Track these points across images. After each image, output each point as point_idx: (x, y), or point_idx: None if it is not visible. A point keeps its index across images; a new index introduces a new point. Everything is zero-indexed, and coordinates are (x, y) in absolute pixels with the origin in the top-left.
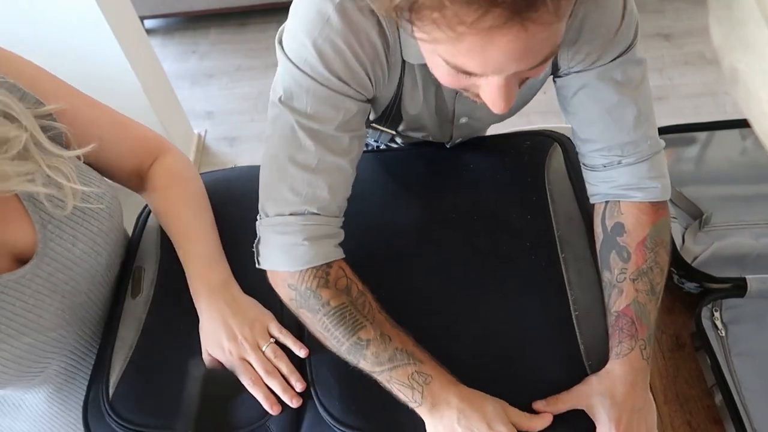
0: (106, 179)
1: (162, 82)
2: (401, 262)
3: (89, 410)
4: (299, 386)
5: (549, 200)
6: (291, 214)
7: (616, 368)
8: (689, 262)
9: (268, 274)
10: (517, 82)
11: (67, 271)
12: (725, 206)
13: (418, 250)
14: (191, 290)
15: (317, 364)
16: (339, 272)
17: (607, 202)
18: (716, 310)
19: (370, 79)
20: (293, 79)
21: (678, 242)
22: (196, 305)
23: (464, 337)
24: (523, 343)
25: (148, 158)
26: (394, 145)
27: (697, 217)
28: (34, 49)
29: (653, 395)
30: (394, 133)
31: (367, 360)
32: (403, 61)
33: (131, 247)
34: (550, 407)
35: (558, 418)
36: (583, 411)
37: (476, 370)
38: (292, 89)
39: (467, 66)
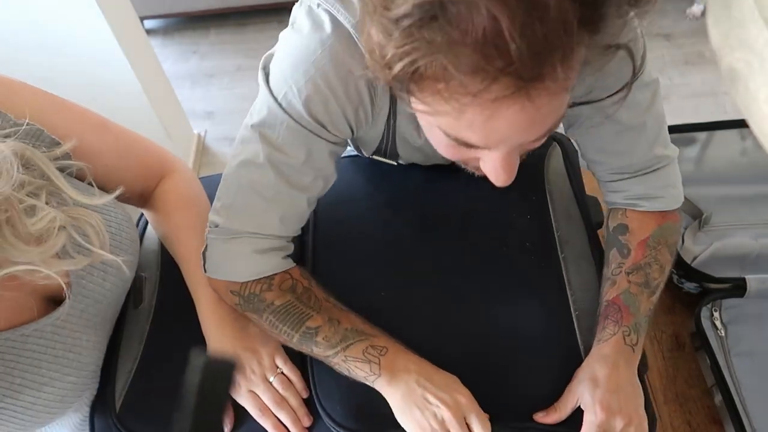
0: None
1: (162, 82)
2: (400, 263)
3: (96, 422)
4: (306, 420)
5: (548, 200)
6: (239, 229)
7: (596, 351)
8: (689, 262)
9: (209, 280)
10: (518, 153)
11: (98, 305)
12: (725, 206)
13: (417, 250)
14: (200, 319)
15: (319, 368)
16: (284, 276)
17: (612, 209)
18: (716, 310)
19: (349, 123)
20: (270, 110)
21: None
22: (205, 334)
23: (464, 337)
24: (524, 343)
25: (154, 180)
26: None
27: (696, 217)
28: (35, 51)
29: (653, 395)
30: (395, 164)
31: (319, 346)
32: (392, 102)
33: None
34: (550, 417)
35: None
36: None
37: (476, 370)
38: (267, 119)
39: (469, 139)
